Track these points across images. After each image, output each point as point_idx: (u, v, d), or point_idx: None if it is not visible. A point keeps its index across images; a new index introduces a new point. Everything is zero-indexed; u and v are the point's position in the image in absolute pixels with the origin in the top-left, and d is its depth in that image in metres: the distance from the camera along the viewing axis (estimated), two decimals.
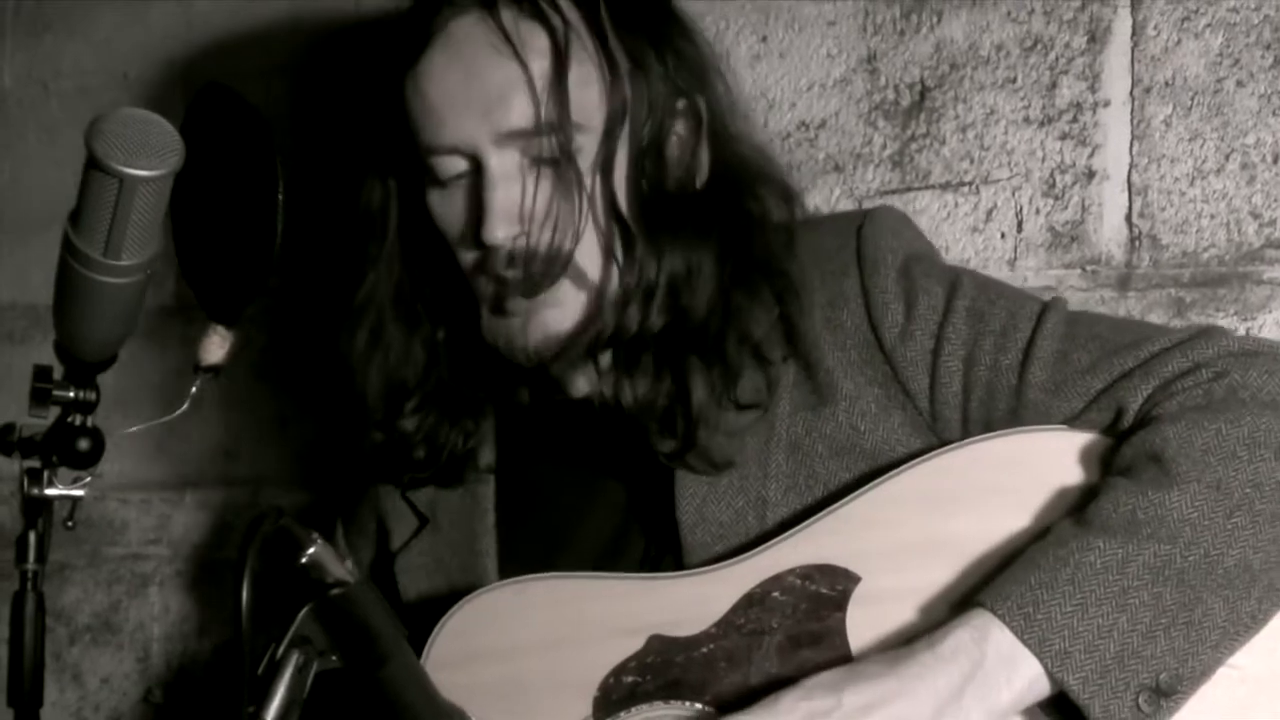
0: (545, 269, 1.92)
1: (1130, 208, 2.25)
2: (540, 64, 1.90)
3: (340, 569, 1.86)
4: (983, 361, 1.91)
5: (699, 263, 1.95)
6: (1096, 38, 2.27)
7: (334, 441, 2.21)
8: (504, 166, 1.92)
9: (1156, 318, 2.22)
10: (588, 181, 1.93)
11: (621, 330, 1.95)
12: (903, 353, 1.94)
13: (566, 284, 1.94)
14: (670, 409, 1.95)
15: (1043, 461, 1.84)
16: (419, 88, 1.96)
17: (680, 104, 1.99)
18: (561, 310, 1.95)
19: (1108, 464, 1.80)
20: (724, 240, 1.98)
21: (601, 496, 2.05)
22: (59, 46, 3.00)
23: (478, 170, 1.94)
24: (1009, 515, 1.81)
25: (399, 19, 2.02)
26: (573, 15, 1.93)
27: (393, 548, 2.16)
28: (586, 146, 1.93)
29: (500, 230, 1.91)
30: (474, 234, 1.94)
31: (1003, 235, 2.32)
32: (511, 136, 1.91)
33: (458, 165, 1.96)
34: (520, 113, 1.90)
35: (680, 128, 2.00)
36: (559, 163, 1.91)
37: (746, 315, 1.96)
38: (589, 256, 1.94)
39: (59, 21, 2.99)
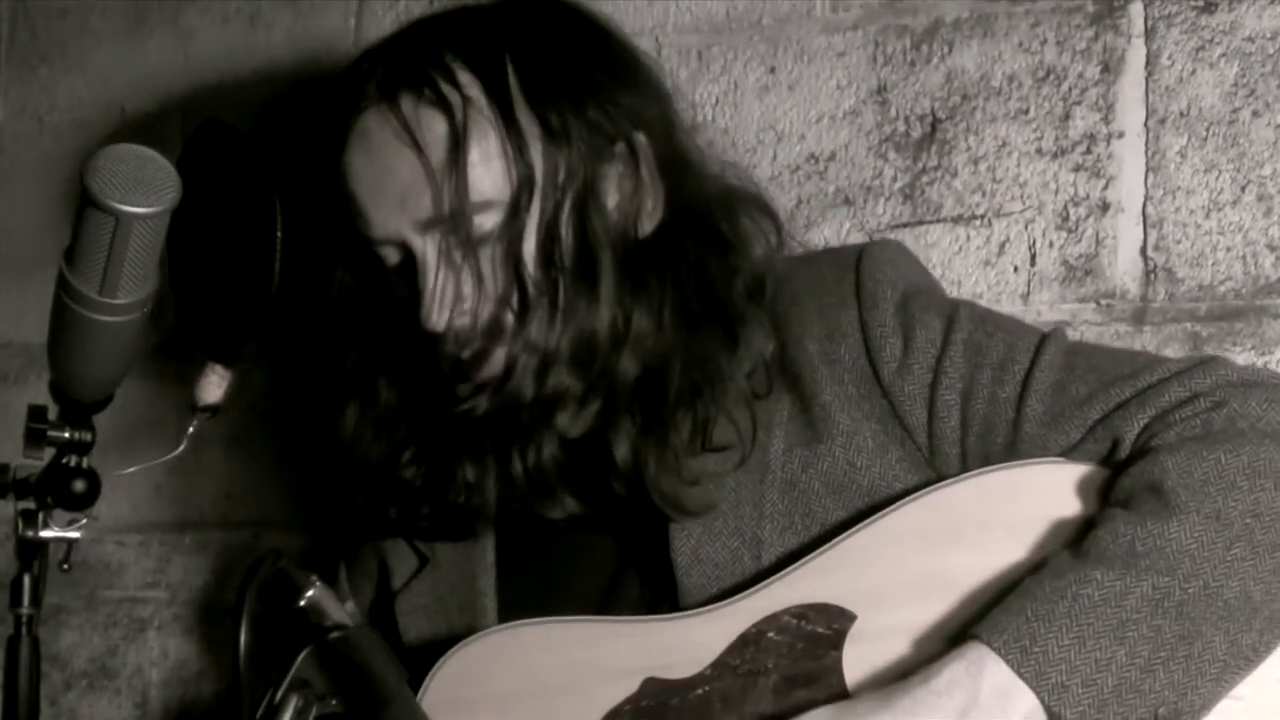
0: (482, 349, 1.94)
1: (1145, 240, 2.23)
2: (438, 151, 1.91)
3: (340, 612, 1.86)
4: (980, 395, 1.90)
5: (626, 318, 1.94)
6: (1110, 68, 2.25)
7: (335, 486, 2.19)
8: (430, 253, 1.93)
9: (1172, 352, 2.19)
10: (497, 256, 1.93)
11: (517, 398, 1.94)
12: (900, 387, 1.93)
13: (499, 348, 1.95)
14: (590, 473, 1.97)
15: (1040, 494, 1.82)
16: (346, 184, 1.98)
17: (618, 148, 1.98)
18: (492, 370, 1.96)
19: (1106, 495, 1.79)
20: (679, 283, 1.98)
21: (599, 537, 2.04)
22: (54, 79, 2.99)
23: (413, 257, 1.96)
24: (1007, 549, 1.79)
25: (322, 111, 2.04)
26: (474, 91, 1.93)
27: (393, 587, 2.15)
28: (496, 222, 1.93)
29: (435, 316, 1.93)
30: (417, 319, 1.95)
31: (1016, 269, 2.29)
32: (429, 225, 1.93)
33: (396, 254, 1.98)
34: (426, 204, 1.92)
35: (616, 174, 1.98)
36: (474, 243, 1.92)
37: (713, 358, 1.96)
38: (510, 322, 1.95)
39: (54, 54, 2.99)
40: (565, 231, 1.94)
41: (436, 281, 1.93)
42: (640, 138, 1.98)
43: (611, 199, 1.97)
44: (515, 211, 1.92)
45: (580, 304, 1.93)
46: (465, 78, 1.93)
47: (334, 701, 1.79)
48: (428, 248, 1.93)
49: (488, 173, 1.91)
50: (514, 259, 1.92)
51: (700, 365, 1.95)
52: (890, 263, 2.00)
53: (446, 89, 1.92)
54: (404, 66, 1.95)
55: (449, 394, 1.99)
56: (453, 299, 1.93)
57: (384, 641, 1.94)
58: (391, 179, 1.93)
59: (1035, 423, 1.86)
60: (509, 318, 1.93)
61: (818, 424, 1.95)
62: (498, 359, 1.94)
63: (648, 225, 1.99)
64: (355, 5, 2.75)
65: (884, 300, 1.95)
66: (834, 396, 1.95)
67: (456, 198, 1.90)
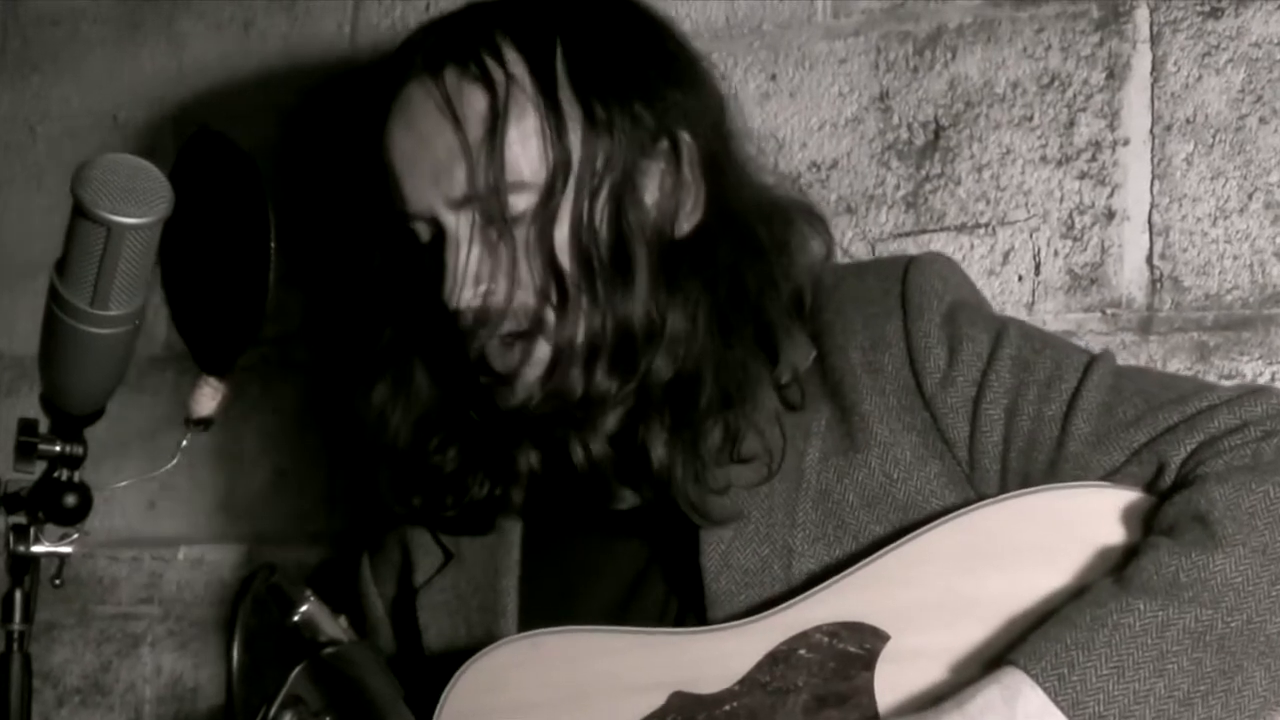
0: (524, 342, 1.93)
1: (1151, 249, 2.21)
2: (476, 128, 1.91)
3: (334, 627, 1.86)
4: (1026, 412, 1.88)
5: (661, 315, 1.93)
6: (1115, 74, 2.24)
7: (360, 472, 2.18)
8: (461, 230, 1.93)
9: (1179, 362, 2.18)
10: (530, 239, 1.92)
11: (564, 393, 1.93)
12: (943, 399, 1.91)
13: (540, 342, 1.94)
14: (628, 470, 1.96)
15: (1081, 519, 1.80)
16: (387, 156, 1.98)
17: (662, 145, 1.97)
18: (536, 368, 1.95)
19: (1149, 523, 1.77)
20: (714, 287, 1.97)
21: (627, 538, 2.03)
22: (46, 88, 2.99)
23: (444, 235, 1.95)
24: (1045, 574, 1.77)
25: (370, 83, 2.05)
26: (519, 69, 1.93)
27: (416, 583, 2.14)
28: (530, 204, 1.92)
29: (459, 294, 1.92)
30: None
31: (1020, 278, 2.28)
32: (462, 202, 1.92)
33: (428, 230, 1.98)
34: (461, 180, 1.91)
35: (658, 171, 1.98)
36: (507, 223, 1.92)
37: (746, 370, 1.95)
38: (549, 315, 1.94)
39: (47, 62, 2.99)
40: (600, 221, 1.93)
41: (463, 259, 1.92)
42: (685, 136, 1.98)
43: (650, 195, 1.96)
44: (549, 195, 1.91)
45: (615, 296, 1.92)
46: (512, 56, 1.93)
47: (328, 718, 1.78)
48: (459, 224, 1.92)
49: (524, 153, 1.91)
50: (546, 244, 1.91)
51: (733, 375, 1.94)
52: (938, 275, 1.98)
53: (491, 65, 1.92)
54: (453, 41, 1.95)
55: (488, 387, 1.98)
56: (479, 279, 1.93)
57: (380, 657, 1.93)
58: (428, 152, 1.93)
59: (1080, 442, 1.85)
60: (548, 310, 1.92)
61: (855, 434, 1.93)
62: (541, 353, 1.93)
63: (686, 226, 1.98)
64: (350, 12, 2.74)
65: (930, 311, 1.94)
66: (874, 406, 1.93)
67: (491, 176, 1.90)
